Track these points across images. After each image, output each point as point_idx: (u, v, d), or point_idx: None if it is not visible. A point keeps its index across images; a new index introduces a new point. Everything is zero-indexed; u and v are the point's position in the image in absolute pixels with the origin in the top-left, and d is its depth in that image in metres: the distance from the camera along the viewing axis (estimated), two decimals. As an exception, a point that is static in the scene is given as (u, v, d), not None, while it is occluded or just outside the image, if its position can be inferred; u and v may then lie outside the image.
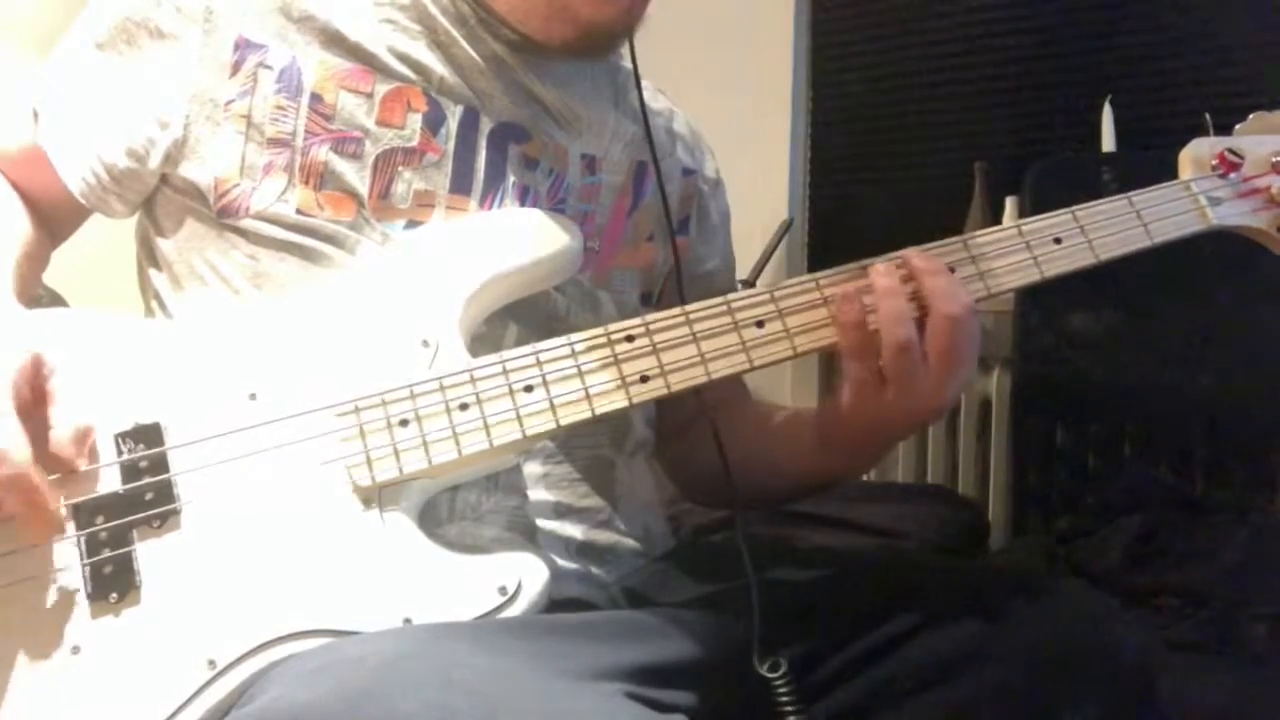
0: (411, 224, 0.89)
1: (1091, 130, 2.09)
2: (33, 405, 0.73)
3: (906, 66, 2.47)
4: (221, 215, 0.88)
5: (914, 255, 0.85)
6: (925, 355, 0.82)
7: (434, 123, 0.91)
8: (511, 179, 0.93)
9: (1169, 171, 0.97)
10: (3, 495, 0.69)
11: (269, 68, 0.89)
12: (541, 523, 0.89)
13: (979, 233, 0.89)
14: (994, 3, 2.37)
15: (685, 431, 1.06)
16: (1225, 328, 1.76)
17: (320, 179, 0.88)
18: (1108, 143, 2.07)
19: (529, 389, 0.80)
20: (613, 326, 0.82)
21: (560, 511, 0.90)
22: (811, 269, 2.55)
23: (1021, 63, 2.35)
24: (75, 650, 0.72)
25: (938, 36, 2.43)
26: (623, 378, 0.81)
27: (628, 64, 1.02)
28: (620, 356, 0.81)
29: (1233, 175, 0.95)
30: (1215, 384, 1.77)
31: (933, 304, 0.82)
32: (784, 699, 0.77)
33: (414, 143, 0.90)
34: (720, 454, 0.90)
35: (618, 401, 0.80)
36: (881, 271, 0.83)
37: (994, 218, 2.17)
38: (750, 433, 1.01)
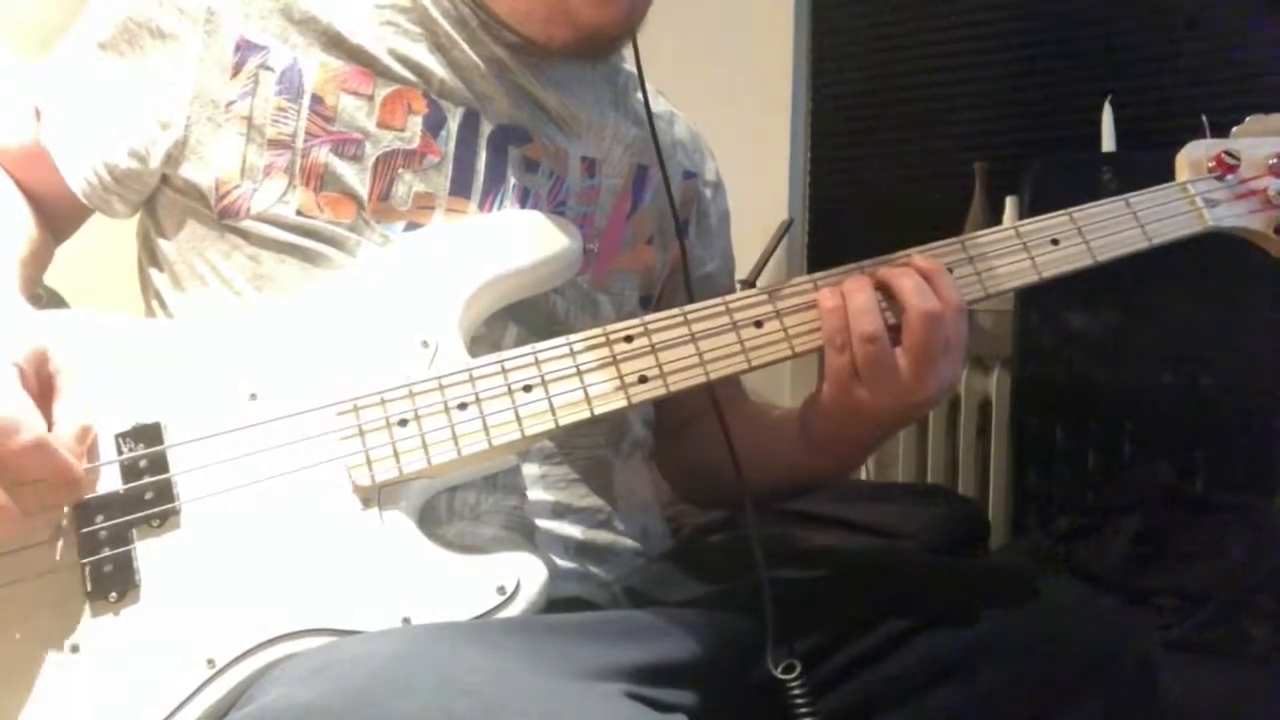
0: (411, 226, 0.89)
1: (1091, 130, 2.10)
2: (38, 397, 0.73)
3: (906, 66, 2.47)
4: (222, 216, 0.88)
5: (914, 257, 0.85)
6: (903, 350, 0.83)
7: (434, 125, 0.91)
8: (512, 181, 0.93)
9: (1169, 172, 0.97)
10: (28, 463, 0.69)
11: (270, 69, 0.89)
12: (540, 522, 0.89)
13: (977, 234, 0.89)
14: (994, 3, 2.37)
15: (682, 431, 1.06)
16: (1225, 328, 1.76)
17: (320, 181, 0.88)
18: (1108, 143, 2.07)
19: (528, 389, 0.80)
20: (611, 327, 0.82)
21: (559, 511, 0.90)
22: (811, 269, 2.56)
23: (1021, 62, 2.35)
24: (74, 649, 0.72)
25: (938, 36, 2.43)
26: (621, 378, 0.81)
27: (628, 66, 1.02)
28: (619, 357, 0.81)
29: (1230, 177, 0.95)
30: (1215, 384, 1.77)
31: (906, 301, 0.82)
32: (798, 701, 0.77)
33: (414, 145, 0.90)
34: (730, 450, 0.90)
35: (617, 402, 0.80)
36: (855, 277, 0.85)
37: (994, 217, 2.17)
38: (745, 432, 1.01)
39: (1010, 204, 2.13)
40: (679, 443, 1.06)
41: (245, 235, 0.88)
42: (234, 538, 0.75)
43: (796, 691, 0.77)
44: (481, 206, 0.92)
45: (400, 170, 0.90)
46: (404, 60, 0.91)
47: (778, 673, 0.77)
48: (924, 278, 0.84)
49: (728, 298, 0.84)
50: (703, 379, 0.82)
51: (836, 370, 0.84)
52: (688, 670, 0.77)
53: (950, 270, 0.86)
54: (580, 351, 0.81)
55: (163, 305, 0.94)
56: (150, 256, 0.96)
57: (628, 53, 1.00)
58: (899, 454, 2.25)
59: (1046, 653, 0.80)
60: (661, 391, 0.81)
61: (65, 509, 0.74)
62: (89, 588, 0.73)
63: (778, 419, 1.03)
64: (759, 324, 0.84)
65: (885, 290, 0.84)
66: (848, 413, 0.86)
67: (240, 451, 0.77)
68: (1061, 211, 0.91)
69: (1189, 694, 1.16)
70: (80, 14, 0.94)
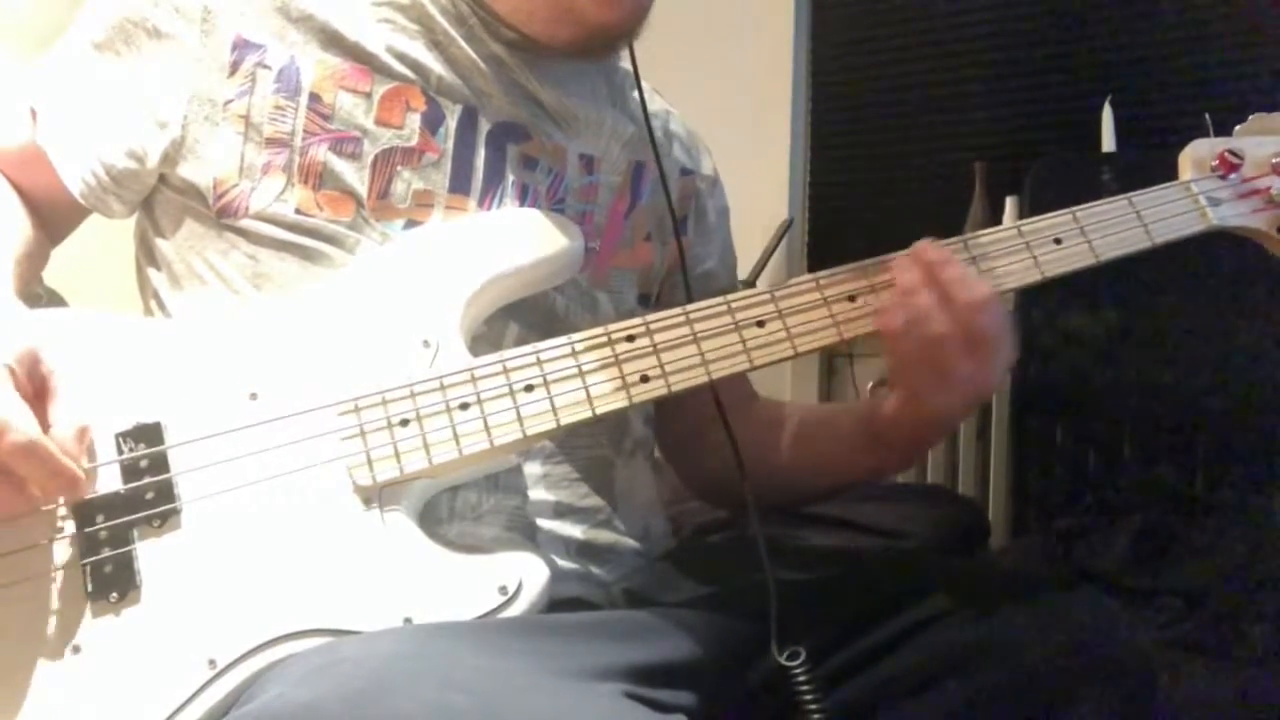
0: (411, 224, 0.89)
1: (1091, 130, 2.10)
2: (32, 398, 0.73)
3: (906, 66, 2.47)
4: (221, 215, 0.88)
5: (927, 248, 0.86)
6: (962, 343, 0.83)
7: (433, 122, 0.91)
8: (511, 178, 0.93)
9: (1169, 172, 0.97)
10: (17, 464, 0.69)
11: (267, 67, 0.89)
12: (541, 522, 0.89)
13: (979, 233, 0.89)
14: (994, 3, 2.37)
15: (700, 437, 1.05)
16: (1225, 328, 1.76)
17: (319, 179, 0.88)
18: (1108, 143, 2.07)
19: (529, 389, 0.80)
20: (613, 326, 0.82)
21: (560, 511, 0.90)
22: (811, 269, 2.56)
23: (1021, 63, 2.35)
24: (76, 650, 0.72)
25: (938, 37, 2.43)
26: (623, 378, 0.81)
27: (626, 64, 1.02)
28: (621, 356, 0.81)
29: (1232, 176, 0.95)
30: (1215, 383, 1.77)
31: (955, 294, 0.83)
32: (804, 688, 0.77)
33: (413, 142, 0.90)
34: (735, 455, 0.90)
35: (618, 401, 0.80)
36: (904, 267, 0.85)
37: (994, 218, 2.17)
38: (764, 432, 1.01)
39: (1010, 204, 2.13)
40: (697, 448, 1.06)
41: (244, 234, 0.88)
42: (235, 538, 0.75)
43: (801, 678, 0.77)
44: (480, 204, 0.91)
45: (399, 168, 0.89)
46: (402, 57, 0.91)
47: (783, 660, 0.77)
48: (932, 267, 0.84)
49: (729, 297, 0.84)
50: (705, 379, 0.82)
51: (906, 376, 0.85)
52: (688, 670, 0.77)
53: None
54: (582, 351, 0.81)
55: (161, 305, 0.93)
56: (148, 256, 0.95)
57: (626, 50, 0.99)
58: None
59: (1046, 653, 0.79)
60: (663, 391, 0.81)
61: (62, 510, 0.74)
62: (90, 588, 0.73)
63: (824, 420, 1.03)
64: (761, 324, 0.84)
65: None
66: (924, 414, 0.87)
67: (241, 451, 0.77)
68: (1064, 210, 0.91)
69: (1189, 694, 1.16)
70: (78, 14, 0.94)
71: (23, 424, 0.69)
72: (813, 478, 1.00)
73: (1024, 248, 0.89)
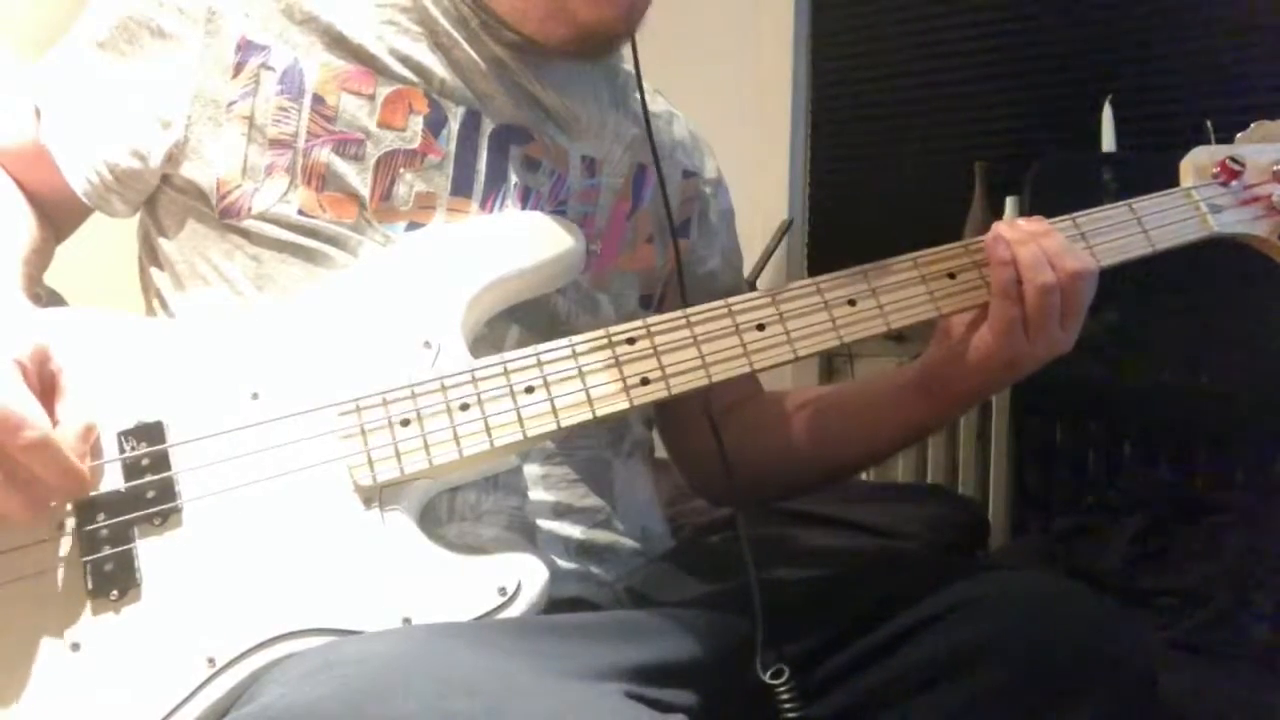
0: (413, 226, 0.89)
1: (1091, 130, 2.09)
2: (41, 395, 0.73)
3: (906, 66, 2.47)
4: (224, 216, 0.88)
5: (1021, 221, 0.89)
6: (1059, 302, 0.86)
7: (435, 124, 0.91)
8: (513, 180, 0.93)
9: (1169, 172, 0.98)
10: (31, 459, 0.69)
11: (271, 69, 0.89)
12: (541, 523, 0.89)
13: (981, 239, 0.89)
14: (994, 3, 2.37)
15: (702, 437, 1.05)
16: (1225, 328, 1.76)
17: (322, 180, 0.88)
18: (1108, 143, 2.07)
19: (530, 390, 0.80)
20: (614, 329, 0.82)
21: (559, 511, 0.90)
22: (811, 269, 2.56)
23: (1021, 63, 2.35)
24: (75, 647, 0.72)
25: (938, 36, 2.43)
26: (624, 380, 0.81)
27: (628, 66, 1.02)
28: (621, 359, 0.82)
29: (1234, 183, 0.96)
30: (1215, 384, 1.77)
31: (1057, 262, 0.85)
32: (787, 706, 0.77)
33: (415, 145, 0.90)
34: (720, 452, 0.90)
35: (619, 404, 0.80)
36: (1005, 225, 0.88)
37: (994, 217, 2.16)
38: (779, 422, 1.02)
39: (1010, 204, 2.13)
40: (702, 449, 1.04)
41: (247, 235, 0.89)
42: (235, 537, 0.75)
43: (785, 696, 0.77)
44: (483, 206, 0.92)
45: (401, 170, 0.90)
46: (405, 60, 0.91)
47: (766, 678, 0.77)
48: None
49: (730, 300, 0.84)
50: (705, 382, 0.82)
51: (1008, 319, 0.87)
52: (688, 670, 0.77)
53: (953, 276, 0.87)
54: (583, 353, 0.81)
55: (164, 305, 0.94)
56: (151, 256, 0.96)
57: (627, 52, 0.99)
58: (899, 454, 2.25)
59: (1046, 653, 0.79)
60: (664, 394, 0.81)
61: (67, 506, 0.74)
62: (90, 586, 0.73)
63: (857, 388, 1.05)
64: (761, 327, 0.84)
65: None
66: (1003, 361, 0.88)
67: (242, 450, 0.77)
68: (1065, 216, 0.91)
69: (1189, 694, 1.16)
70: (80, 14, 0.94)
71: (36, 421, 0.70)
72: (846, 450, 1.01)
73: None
